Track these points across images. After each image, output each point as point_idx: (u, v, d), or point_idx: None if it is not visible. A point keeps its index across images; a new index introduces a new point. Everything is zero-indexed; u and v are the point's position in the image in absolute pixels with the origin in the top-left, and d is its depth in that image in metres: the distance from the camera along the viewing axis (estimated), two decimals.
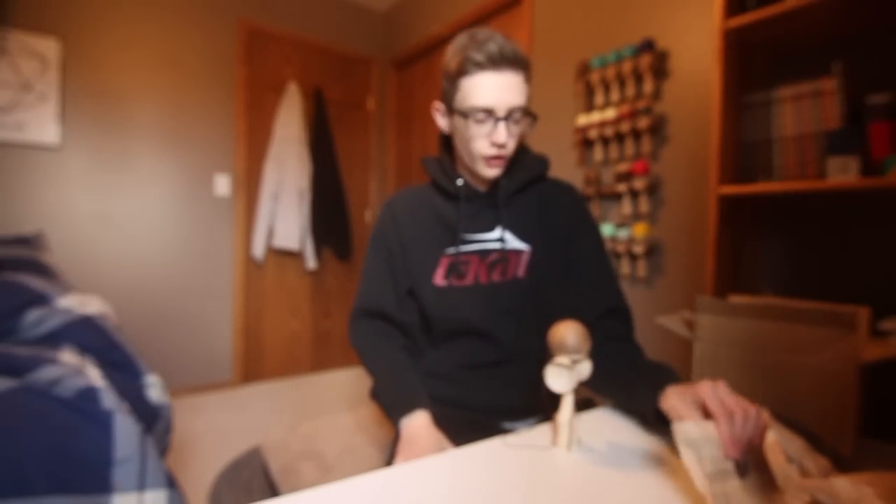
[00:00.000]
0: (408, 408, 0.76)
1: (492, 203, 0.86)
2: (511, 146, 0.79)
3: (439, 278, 0.86)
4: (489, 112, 0.75)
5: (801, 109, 1.11)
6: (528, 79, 0.79)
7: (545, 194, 0.90)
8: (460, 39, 0.78)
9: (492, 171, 0.81)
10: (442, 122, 0.86)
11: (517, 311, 0.84)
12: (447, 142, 0.91)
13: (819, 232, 1.27)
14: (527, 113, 0.78)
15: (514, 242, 0.85)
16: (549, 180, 0.92)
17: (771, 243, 1.36)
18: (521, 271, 0.84)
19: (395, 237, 0.89)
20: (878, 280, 1.15)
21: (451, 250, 0.86)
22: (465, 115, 0.76)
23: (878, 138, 1.00)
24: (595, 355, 0.67)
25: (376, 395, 0.88)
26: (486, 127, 0.77)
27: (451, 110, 0.81)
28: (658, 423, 0.64)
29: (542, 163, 0.90)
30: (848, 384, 0.61)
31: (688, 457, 0.50)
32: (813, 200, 1.24)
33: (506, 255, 0.84)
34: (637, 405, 0.69)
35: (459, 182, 0.86)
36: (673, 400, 0.60)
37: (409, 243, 0.88)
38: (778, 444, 0.50)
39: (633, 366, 0.78)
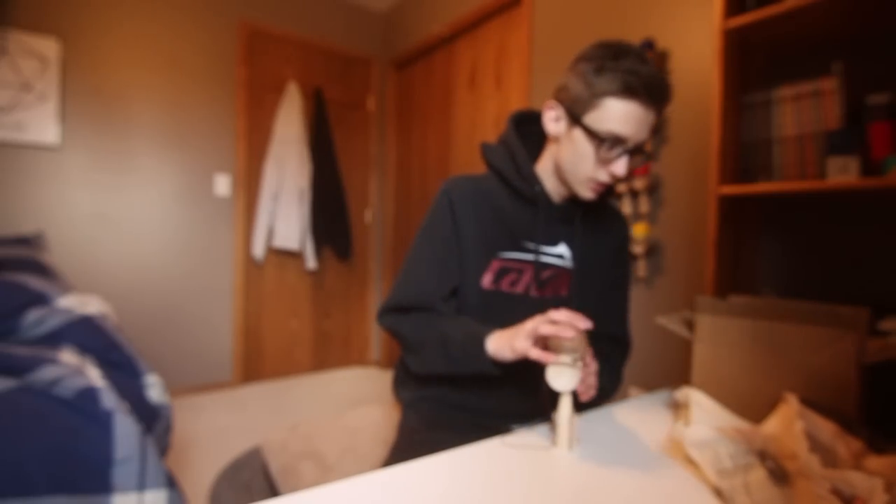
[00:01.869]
0: (481, 338, 0.71)
1: (564, 217, 0.83)
2: (626, 176, 0.76)
3: (487, 281, 0.82)
4: (621, 142, 0.71)
5: (801, 109, 1.11)
6: (662, 114, 0.77)
7: (605, 219, 0.90)
8: (608, 54, 0.71)
9: (592, 196, 0.77)
10: (553, 126, 0.78)
11: None
12: (528, 138, 0.85)
13: (819, 232, 1.27)
14: (645, 153, 0.76)
15: (568, 260, 0.84)
16: (609, 205, 0.93)
17: (771, 243, 1.36)
18: (564, 289, 0.84)
19: (451, 227, 0.82)
20: (878, 280, 1.15)
21: (507, 255, 0.82)
22: (598, 136, 0.71)
23: (878, 138, 1.00)
24: None
25: (426, 357, 0.79)
26: (612, 155, 0.72)
27: (576, 121, 0.73)
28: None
29: (612, 188, 0.86)
30: (848, 384, 0.61)
31: (699, 456, 0.52)
32: (813, 200, 1.24)
33: (559, 272, 0.83)
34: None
35: (538, 188, 0.81)
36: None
37: (463, 237, 0.82)
38: (804, 433, 0.51)
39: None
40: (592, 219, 0.87)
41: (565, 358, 0.60)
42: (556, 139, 0.79)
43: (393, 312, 0.85)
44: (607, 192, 0.84)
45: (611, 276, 0.90)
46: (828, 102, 1.07)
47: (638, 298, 1.72)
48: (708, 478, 0.50)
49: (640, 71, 0.68)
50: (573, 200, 0.83)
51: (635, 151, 0.73)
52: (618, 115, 0.70)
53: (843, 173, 1.02)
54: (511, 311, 0.79)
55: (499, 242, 0.82)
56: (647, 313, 1.67)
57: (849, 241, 1.21)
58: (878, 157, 1.00)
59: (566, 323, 0.59)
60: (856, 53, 1.14)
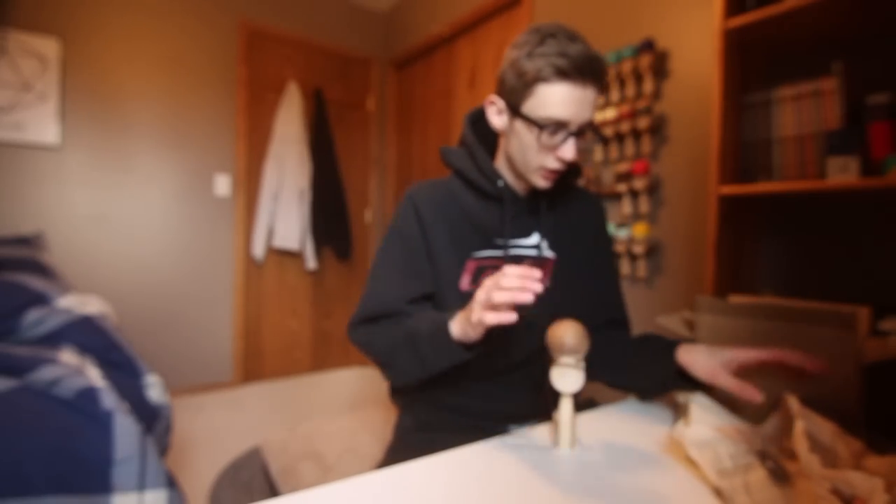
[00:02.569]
0: (445, 326, 0.68)
1: (532, 208, 0.82)
2: (575, 159, 0.74)
3: (465, 283, 0.80)
4: (563, 125, 0.69)
5: (801, 109, 1.11)
6: (603, 91, 0.75)
7: (576, 203, 0.88)
8: (537, 38, 0.69)
9: (545, 184, 0.76)
10: (497, 120, 0.78)
11: (539, 322, 0.82)
12: (486, 136, 0.84)
13: (819, 232, 1.27)
14: (596, 131, 0.74)
15: (545, 251, 0.82)
16: (579, 189, 0.91)
17: (771, 243, 1.36)
18: (546, 280, 0.82)
19: (419, 233, 0.81)
20: (878, 280, 1.15)
21: (481, 254, 0.80)
22: (537, 124, 0.70)
23: (878, 138, 1.00)
24: (594, 353, 0.69)
25: (400, 366, 0.75)
26: (556, 140, 0.71)
27: (515, 113, 0.73)
28: (679, 383, 0.66)
29: (577, 170, 0.86)
30: (848, 384, 0.61)
31: (699, 456, 0.52)
32: (813, 200, 1.24)
33: (538, 264, 0.82)
34: (653, 373, 0.71)
35: (500, 183, 0.80)
36: (695, 354, 0.64)
37: (434, 242, 0.80)
38: (804, 433, 0.51)
39: (633, 344, 0.82)
40: (562, 204, 0.85)
41: (568, 359, 0.60)
42: (504, 133, 0.79)
43: (362, 325, 0.82)
44: (572, 175, 0.83)
45: (596, 260, 0.89)
46: (828, 102, 1.07)
47: (638, 298, 1.72)
48: (708, 478, 0.50)
49: (569, 51, 0.66)
50: (537, 190, 0.81)
51: (581, 132, 0.71)
52: (553, 99, 0.68)
53: (843, 173, 1.02)
54: None
55: (471, 243, 0.80)
56: (647, 313, 1.67)
57: (849, 241, 1.21)
58: (878, 157, 1.00)
59: (518, 287, 0.56)
60: (856, 53, 1.14)
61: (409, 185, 3.38)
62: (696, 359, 0.66)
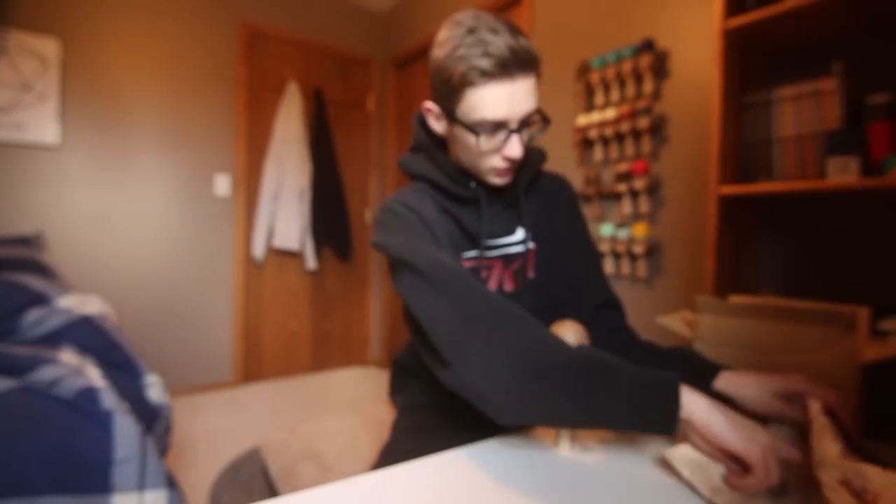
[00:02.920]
0: (669, 386, 0.50)
1: (509, 202, 0.79)
2: (522, 154, 0.70)
3: None
4: (501, 125, 0.65)
5: (801, 109, 1.11)
6: (541, 75, 0.68)
7: (545, 188, 0.86)
8: (457, 34, 0.64)
9: (500, 181, 0.73)
10: (437, 126, 0.74)
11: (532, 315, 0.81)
12: (441, 141, 0.79)
13: (819, 232, 1.27)
14: (542, 117, 0.70)
15: (528, 242, 0.80)
16: (545, 173, 0.88)
17: (771, 243, 1.36)
18: (531, 272, 0.81)
19: (424, 230, 0.71)
20: (878, 280, 1.15)
21: (472, 254, 0.76)
22: (473, 129, 0.66)
23: (878, 138, 1.00)
24: (600, 346, 0.68)
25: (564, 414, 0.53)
26: (498, 140, 0.67)
27: (452, 119, 0.69)
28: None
29: (542, 155, 0.83)
30: (848, 384, 0.61)
31: (690, 476, 0.51)
32: (813, 200, 1.24)
33: (525, 257, 0.79)
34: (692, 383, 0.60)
35: (473, 185, 0.75)
36: (744, 389, 0.60)
37: (439, 237, 0.73)
38: (829, 427, 0.50)
39: (653, 352, 0.77)
40: (535, 192, 0.83)
41: None
42: (447, 137, 0.75)
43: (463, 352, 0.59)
44: (538, 160, 0.81)
45: (575, 242, 0.86)
46: (828, 102, 1.07)
47: (638, 298, 1.72)
48: (704, 496, 0.50)
49: (490, 49, 0.61)
50: (511, 184, 0.77)
51: (525, 125, 0.67)
52: (483, 102, 0.63)
53: (843, 173, 1.02)
54: None
55: (459, 245, 0.76)
56: (647, 313, 1.67)
57: (849, 241, 1.21)
58: (878, 157, 1.00)
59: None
60: (856, 53, 1.14)
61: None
62: (745, 394, 0.61)
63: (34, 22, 2.17)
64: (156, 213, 2.52)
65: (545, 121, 0.70)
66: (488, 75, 0.62)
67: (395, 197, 0.76)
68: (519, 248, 0.79)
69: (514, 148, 0.66)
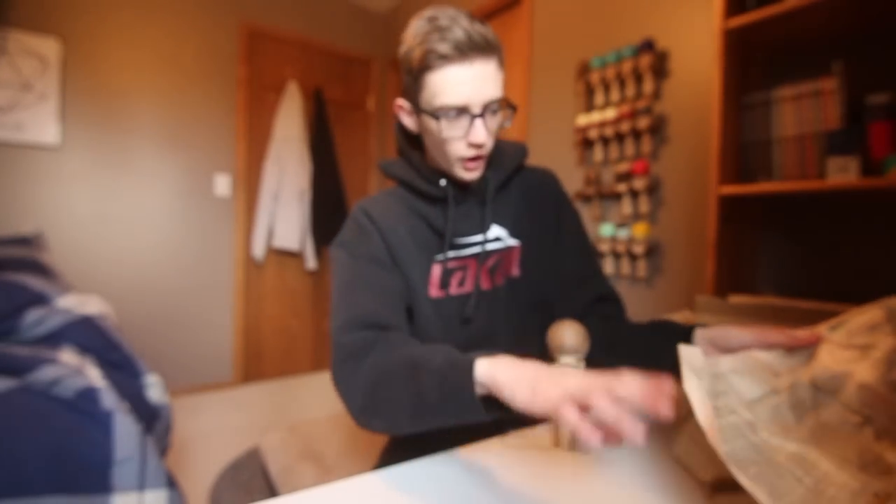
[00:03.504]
0: (469, 364, 0.51)
1: (482, 199, 0.78)
2: (490, 144, 0.71)
3: (434, 290, 0.76)
4: (463, 110, 0.66)
5: (801, 109, 1.11)
6: (502, 64, 0.70)
7: (528, 184, 0.84)
8: (418, 25, 0.67)
9: (470, 175, 0.72)
10: (408, 121, 0.75)
11: (517, 314, 0.80)
12: (416, 140, 0.80)
13: (819, 232, 1.27)
14: (507, 105, 0.70)
15: (507, 240, 0.80)
16: (528, 168, 0.87)
17: (771, 243, 1.36)
18: (514, 270, 0.80)
19: (381, 245, 0.74)
20: (879, 280, 1.15)
21: (441, 256, 0.76)
22: (436, 115, 0.67)
23: (878, 138, 1.00)
24: (596, 336, 0.68)
25: (385, 400, 0.58)
26: (461, 126, 0.68)
27: (417, 109, 0.71)
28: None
29: (522, 150, 0.82)
30: None
31: (691, 385, 0.47)
32: (813, 200, 1.24)
33: (504, 254, 0.79)
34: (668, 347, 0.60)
35: (443, 182, 0.75)
36: (724, 330, 0.60)
37: (398, 249, 0.74)
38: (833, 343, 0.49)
39: (644, 327, 0.75)
40: (516, 188, 0.82)
41: (568, 358, 0.60)
42: (419, 134, 0.76)
43: (359, 331, 0.66)
44: (520, 155, 0.80)
45: (565, 237, 0.84)
46: (828, 102, 1.07)
47: (638, 298, 1.72)
48: (694, 409, 0.45)
49: (446, 35, 0.63)
50: (483, 180, 0.77)
51: (489, 111, 0.68)
52: (442, 86, 0.65)
53: (843, 173, 1.02)
54: (466, 312, 0.76)
55: (431, 247, 0.76)
56: (647, 313, 1.67)
57: (849, 241, 1.21)
58: (878, 157, 1.00)
59: (635, 403, 0.39)
60: (856, 53, 1.14)
61: None
62: (727, 331, 0.61)
63: (34, 22, 2.17)
64: (156, 212, 2.52)
65: (511, 107, 0.71)
66: (446, 58, 0.64)
67: (367, 201, 0.79)
68: (495, 245, 0.78)
69: (478, 133, 0.67)
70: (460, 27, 0.63)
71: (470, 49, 0.63)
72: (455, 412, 0.51)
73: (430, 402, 0.53)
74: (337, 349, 0.66)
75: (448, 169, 0.74)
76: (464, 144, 0.69)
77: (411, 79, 0.69)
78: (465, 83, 0.65)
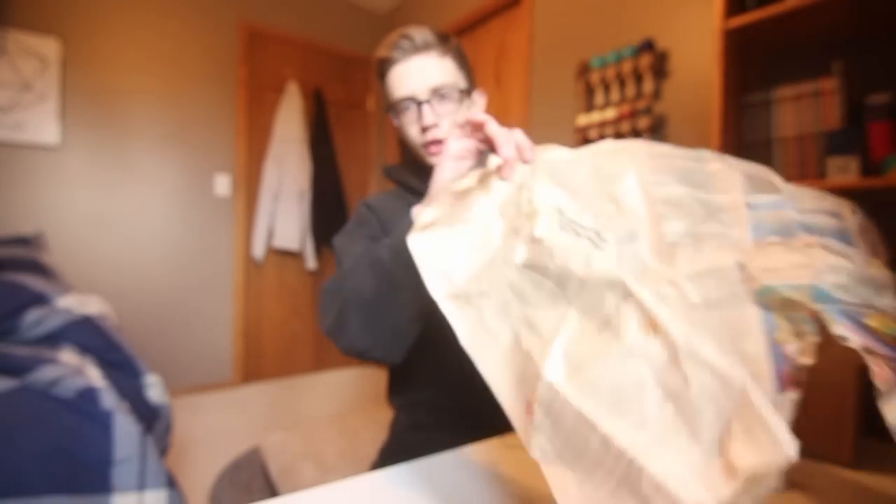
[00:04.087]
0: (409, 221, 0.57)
1: None
2: (444, 127, 0.76)
3: None
4: (411, 99, 0.75)
5: (801, 109, 1.11)
6: (455, 56, 0.78)
7: None
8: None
9: (436, 159, 0.77)
10: (395, 126, 0.84)
11: None
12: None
13: None
14: (461, 91, 0.77)
15: None
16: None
17: None
18: None
19: (377, 228, 0.81)
20: None
21: None
22: (395, 110, 0.78)
23: (878, 138, 1.00)
24: None
25: (352, 287, 0.62)
26: (413, 114, 0.77)
27: (388, 112, 0.82)
28: None
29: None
30: (847, 387, 0.61)
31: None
32: None
33: None
34: None
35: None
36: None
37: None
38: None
39: None
40: None
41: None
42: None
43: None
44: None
45: None
46: (828, 102, 1.07)
47: None
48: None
49: (387, 41, 0.75)
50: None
51: (433, 97, 0.75)
52: (391, 84, 0.77)
53: (843, 173, 1.02)
54: None
55: None
56: None
57: None
58: (878, 157, 1.00)
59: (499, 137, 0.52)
60: (856, 53, 1.14)
61: None
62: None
63: (34, 22, 2.17)
64: (156, 212, 2.52)
65: (462, 91, 0.77)
66: (389, 61, 0.75)
67: (368, 198, 0.88)
68: None
69: (426, 116, 0.75)
70: (398, 33, 0.75)
71: (411, 49, 0.74)
72: (407, 263, 0.52)
73: (385, 263, 0.60)
74: (321, 294, 0.70)
75: (420, 158, 0.81)
76: (418, 130, 0.77)
77: (380, 85, 0.80)
78: (406, 76, 0.75)
